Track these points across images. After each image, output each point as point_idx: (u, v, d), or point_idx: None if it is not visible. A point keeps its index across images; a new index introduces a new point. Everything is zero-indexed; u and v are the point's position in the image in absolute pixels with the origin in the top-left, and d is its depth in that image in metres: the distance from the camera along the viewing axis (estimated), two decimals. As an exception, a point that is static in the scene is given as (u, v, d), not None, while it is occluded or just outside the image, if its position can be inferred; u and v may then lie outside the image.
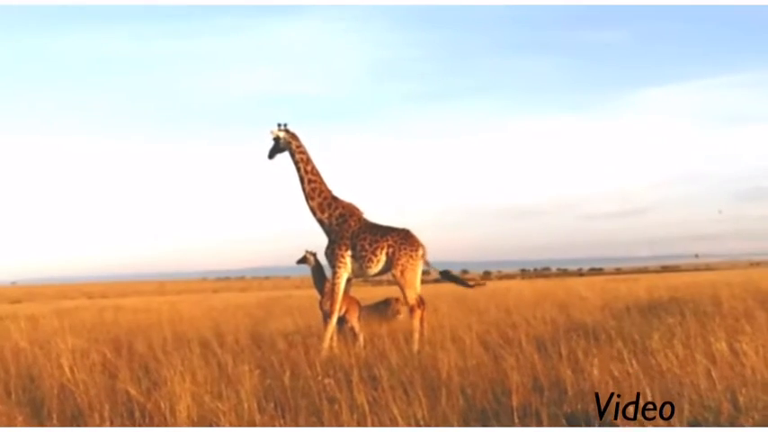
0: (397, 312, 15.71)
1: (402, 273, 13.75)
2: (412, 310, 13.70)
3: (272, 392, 9.72)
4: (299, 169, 14.34)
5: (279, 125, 14.40)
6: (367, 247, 13.89)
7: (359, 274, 14.18)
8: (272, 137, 14.39)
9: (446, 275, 14.58)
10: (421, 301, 13.82)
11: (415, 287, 13.84)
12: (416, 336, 13.32)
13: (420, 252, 13.92)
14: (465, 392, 9.29)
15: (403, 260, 13.76)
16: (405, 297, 13.88)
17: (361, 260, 13.95)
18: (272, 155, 14.48)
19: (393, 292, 14.72)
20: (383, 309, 15.84)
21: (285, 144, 14.36)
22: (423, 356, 11.41)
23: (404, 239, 13.90)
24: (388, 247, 13.84)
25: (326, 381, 9.64)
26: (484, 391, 9.30)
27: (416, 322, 13.56)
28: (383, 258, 13.88)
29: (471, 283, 16.27)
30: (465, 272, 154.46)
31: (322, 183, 14.35)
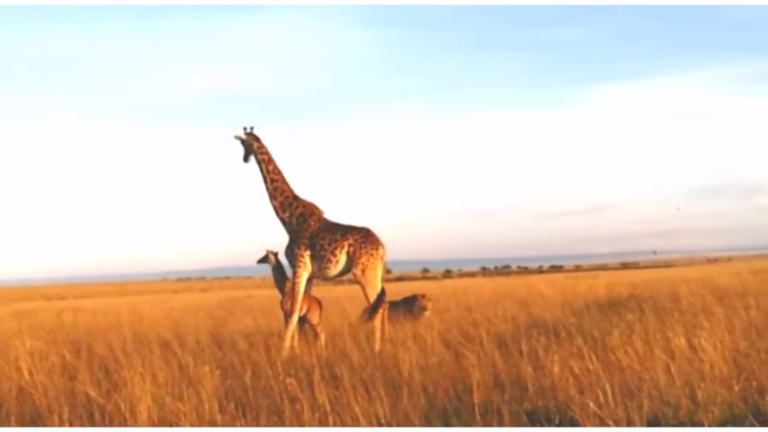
0: (424, 308, 15.70)
1: (363, 272, 13.73)
2: (374, 309, 13.70)
3: (233, 393, 9.71)
4: (261, 170, 14.37)
5: (245, 129, 14.45)
6: (326, 246, 13.86)
7: (318, 274, 14.14)
8: (237, 141, 14.46)
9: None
10: (382, 302, 13.83)
11: (375, 286, 13.82)
12: (378, 335, 13.34)
13: (381, 251, 13.91)
14: (426, 390, 9.32)
15: (363, 259, 13.74)
16: (366, 296, 13.86)
17: (320, 260, 13.91)
18: (246, 158, 14.54)
19: (358, 290, 14.65)
20: (410, 305, 15.78)
21: (247, 145, 14.39)
22: (384, 355, 11.43)
23: (364, 238, 13.88)
24: (349, 246, 13.81)
25: (288, 380, 9.64)
26: (445, 389, 9.33)
27: (378, 321, 13.57)
28: (343, 258, 13.85)
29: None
30: (426, 270, 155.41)
31: (284, 182, 14.35)
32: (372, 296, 13.72)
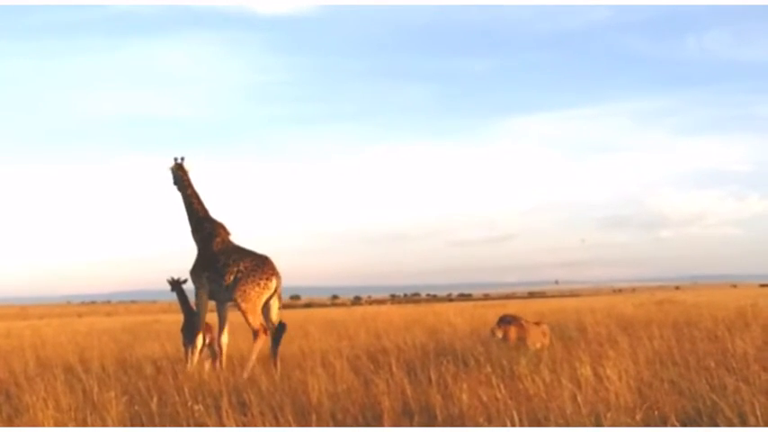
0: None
1: (242, 299, 13.45)
2: (256, 334, 13.46)
3: (139, 419, 9.56)
4: (182, 195, 14.45)
5: (175, 159, 14.60)
6: (220, 269, 13.71)
7: (215, 297, 13.98)
8: (168, 171, 14.65)
9: None
10: (264, 329, 13.60)
11: (257, 314, 13.53)
12: (253, 357, 13.14)
13: (273, 282, 13.65)
14: (335, 417, 9.29)
15: (247, 287, 13.46)
16: (247, 322, 13.61)
17: (212, 283, 13.78)
18: (175, 184, 14.63)
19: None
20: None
21: (174, 173, 14.53)
22: (293, 381, 11.35)
23: (256, 266, 13.66)
24: (237, 272, 13.61)
25: (195, 407, 9.52)
26: (354, 417, 9.31)
27: (257, 346, 13.35)
28: (232, 284, 13.67)
29: None
30: (335, 297, 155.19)
31: (199, 203, 14.37)
32: (255, 322, 13.42)
